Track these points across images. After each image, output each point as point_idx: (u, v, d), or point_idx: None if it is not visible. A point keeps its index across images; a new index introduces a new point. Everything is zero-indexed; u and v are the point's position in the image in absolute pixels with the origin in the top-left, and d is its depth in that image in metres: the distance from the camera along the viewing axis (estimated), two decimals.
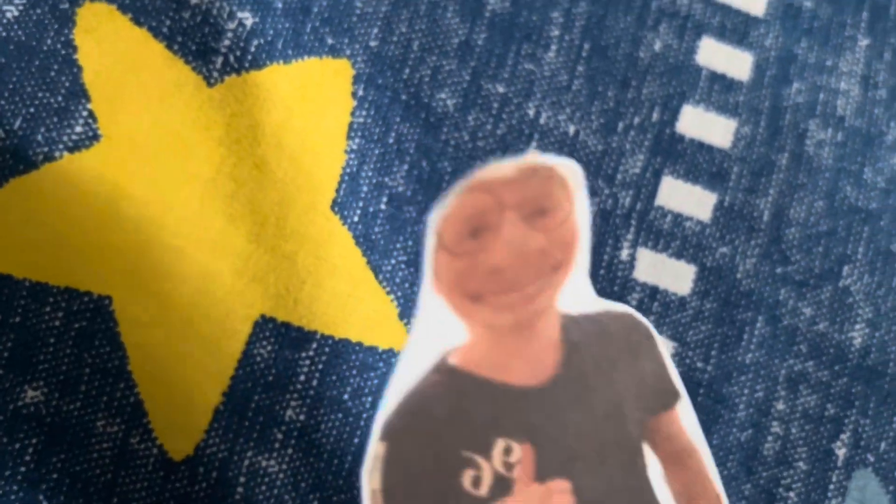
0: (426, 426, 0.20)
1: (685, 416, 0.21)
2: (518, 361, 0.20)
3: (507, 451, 0.20)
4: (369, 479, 0.19)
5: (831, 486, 0.30)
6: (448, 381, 0.20)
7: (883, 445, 0.31)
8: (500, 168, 0.19)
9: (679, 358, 0.30)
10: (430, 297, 0.20)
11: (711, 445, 0.30)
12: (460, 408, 0.20)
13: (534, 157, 0.20)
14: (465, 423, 0.20)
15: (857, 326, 0.31)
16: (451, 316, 0.20)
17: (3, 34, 0.28)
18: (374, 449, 0.19)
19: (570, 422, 0.20)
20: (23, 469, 0.26)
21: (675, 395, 0.21)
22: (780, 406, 0.30)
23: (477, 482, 0.20)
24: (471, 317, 0.20)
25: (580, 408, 0.21)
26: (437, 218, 0.19)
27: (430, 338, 0.20)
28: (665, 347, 0.22)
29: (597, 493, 0.20)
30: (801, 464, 0.30)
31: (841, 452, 0.30)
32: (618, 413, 0.21)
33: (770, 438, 0.30)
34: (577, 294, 0.21)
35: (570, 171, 0.20)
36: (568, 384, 0.20)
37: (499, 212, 0.20)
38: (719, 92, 0.32)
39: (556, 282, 0.21)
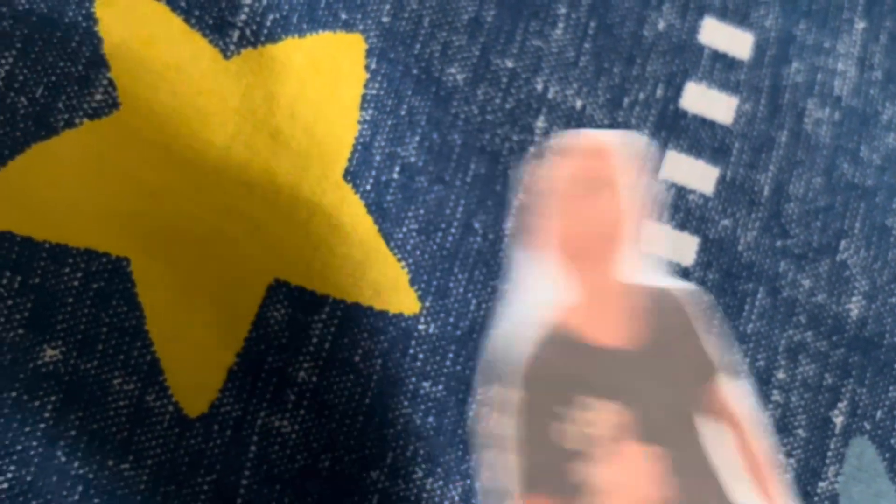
0: (546, 377, 0.21)
1: (738, 387, 0.22)
2: (611, 325, 0.22)
3: (609, 410, 0.21)
4: (502, 424, 0.20)
5: (829, 453, 0.31)
6: (554, 337, 0.21)
7: (879, 414, 0.31)
8: (598, 136, 0.22)
9: None
10: (532, 254, 0.22)
11: None
12: (564, 365, 0.21)
13: (616, 132, 0.22)
14: (567, 381, 0.21)
15: (854, 298, 0.32)
16: (551, 273, 0.22)
17: (27, 6, 0.29)
18: (504, 394, 0.20)
19: (657, 388, 0.22)
20: (42, 426, 0.27)
21: (736, 371, 0.22)
22: (781, 375, 0.31)
23: (579, 438, 0.21)
24: (570, 277, 0.22)
25: (665, 375, 0.22)
26: (541, 174, 0.21)
27: (532, 293, 0.21)
28: (716, 324, 0.23)
29: (684, 460, 0.21)
30: (800, 431, 0.31)
31: (839, 420, 0.31)
32: (695, 383, 0.22)
33: (770, 406, 0.31)
34: (649, 268, 0.23)
35: (639, 146, 0.22)
36: (655, 351, 0.22)
37: (599, 179, 0.22)
38: (721, 70, 0.33)
39: (632, 255, 0.22)
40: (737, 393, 0.22)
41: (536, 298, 0.22)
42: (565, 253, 0.22)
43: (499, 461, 0.20)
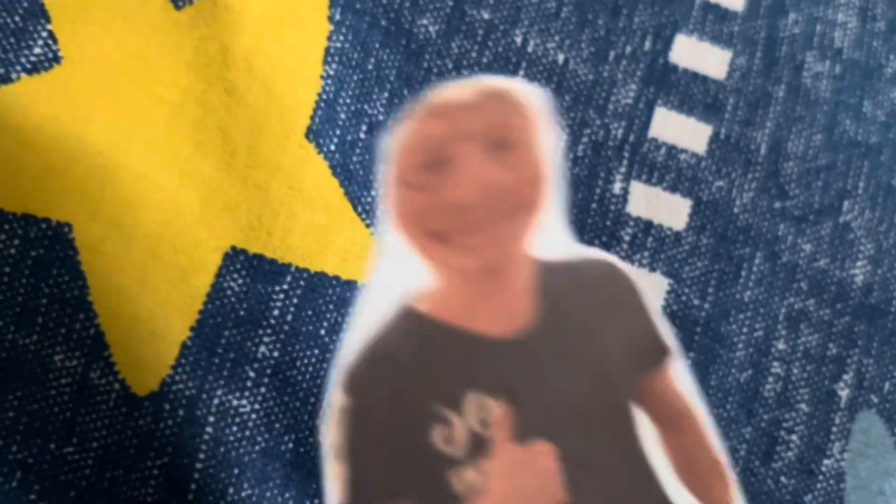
0: (392, 377, 0.18)
1: (678, 373, 0.19)
2: (489, 309, 0.18)
3: (482, 407, 0.18)
4: (332, 432, 0.17)
5: (834, 429, 0.29)
6: (414, 327, 0.18)
7: (887, 386, 0.30)
8: (456, 90, 0.18)
9: (674, 295, 0.29)
10: (389, 234, 0.18)
11: (709, 386, 0.29)
12: (429, 357, 0.18)
13: (490, 79, 0.18)
14: (435, 375, 0.18)
15: (859, 263, 0.30)
16: (413, 256, 0.18)
17: None
18: (337, 400, 0.18)
19: (550, 378, 0.18)
20: None
21: (664, 351, 0.19)
22: (781, 346, 0.29)
23: (450, 440, 0.18)
24: (435, 258, 0.18)
25: (561, 363, 0.19)
26: (391, 146, 0.18)
27: (392, 279, 0.18)
28: (651, 299, 0.20)
29: (584, 457, 0.18)
30: (803, 405, 0.29)
31: (844, 393, 0.30)
32: (603, 371, 0.19)
33: (771, 379, 0.29)
34: (551, 238, 0.19)
35: (534, 98, 0.18)
36: (546, 336, 0.19)
37: (457, 141, 0.18)
38: (713, 22, 0.31)
39: (526, 223, 0.19)
40: (679, 380, 0.19)
41: (396, 285, 0.18)
42: (421, 231, 0.18)
43: (331, 472, 0.17)
